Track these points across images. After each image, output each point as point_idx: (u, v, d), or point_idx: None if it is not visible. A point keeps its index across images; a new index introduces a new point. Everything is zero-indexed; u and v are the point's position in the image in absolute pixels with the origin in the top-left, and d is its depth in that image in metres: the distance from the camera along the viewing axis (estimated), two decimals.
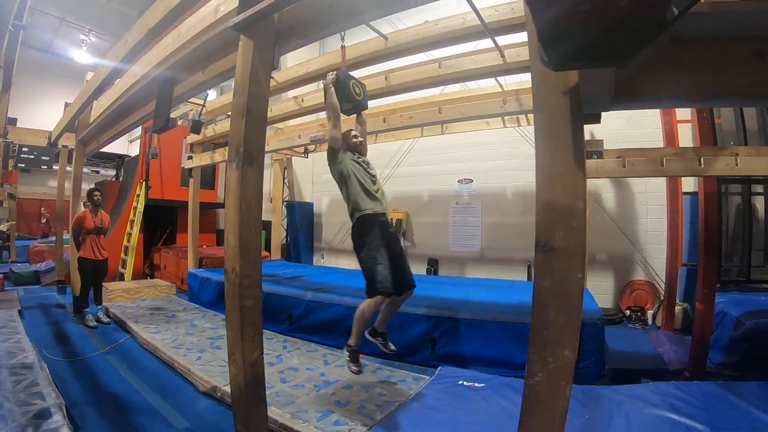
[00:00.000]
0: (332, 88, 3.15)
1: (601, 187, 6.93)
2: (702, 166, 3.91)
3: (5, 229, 12.40)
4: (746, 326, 4.07)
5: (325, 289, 5.84)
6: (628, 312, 6.47)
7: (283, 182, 10.31)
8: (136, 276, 8.85)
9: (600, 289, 6.70)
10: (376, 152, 8.76)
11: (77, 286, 6.14)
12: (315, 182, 10.89)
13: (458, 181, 8.32)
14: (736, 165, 3.81)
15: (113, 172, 16.10)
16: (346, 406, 3.33)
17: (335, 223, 10.00)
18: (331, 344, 5.01)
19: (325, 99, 3.22)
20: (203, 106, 6.15)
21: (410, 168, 8.99)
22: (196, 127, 5.69)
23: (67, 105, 7.56)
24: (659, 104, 3.51)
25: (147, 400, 3.54)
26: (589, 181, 6.53)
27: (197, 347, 4.70)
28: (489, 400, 3.34)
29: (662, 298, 6.11)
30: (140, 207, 9.39)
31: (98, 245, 5.98)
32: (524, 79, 4.93)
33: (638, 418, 2.91)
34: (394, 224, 8.63)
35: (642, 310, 6.43)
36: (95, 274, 6.00)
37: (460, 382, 3.70)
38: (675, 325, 5.72)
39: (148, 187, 9.51)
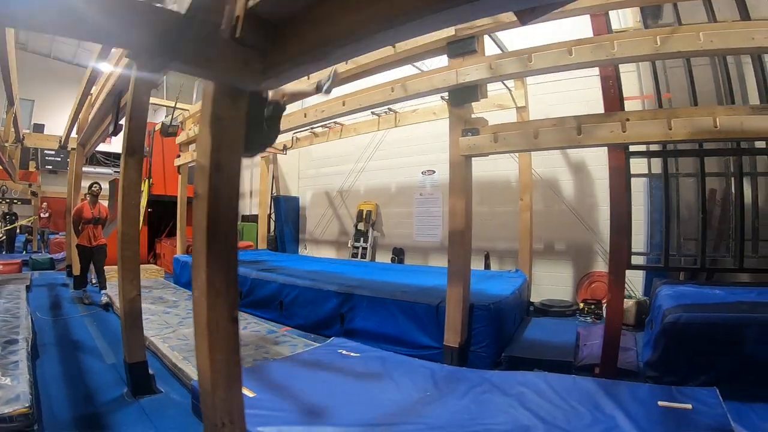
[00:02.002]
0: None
1: (559, 174, 7.43)
2: (581, 135, 3.94)
3: (29, 223, 14.57)
4: (666, 321, 3.79)
5: (270, 270, 7.05)
6: (581, 305, 6.64)
7: (272, 179, 11.72)
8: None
9: (558, 281, 7.18)
10: (350, 147, 10.36)
11: (76, 267, 7.55)
12: (300, 177, 12.49)
13: (422, 173, 9.34)
14: (623, 131, 3.76)
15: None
16: None
17: (317, 215, 11.61)
18: (267, 317, 6.24)
19: None
20: (172, 115, 7.35)
21: (380, 161, 10.22)
22: (164, 130, 6.87)
23: None
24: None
25: (96, 345, 5.01)
26: (545, 169, 7.35)
27: (152, 312, 6.06)
28: (352, 366, 4.01)
29: (628, 294, 6.17)
30: (143, 202, 10.99)
31: (93, 234, 7.18)
32: None
33: (479, 403, 3.19)
34: (363, 216, 10.07)
35: (599, 303, 6.47)
36: (92, 258, 7.26)
37: (340, 351, 4.41)
38: (626, 320, 5.67)
39: (150, 184, 11.12)
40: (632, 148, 4.40)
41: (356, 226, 10.26)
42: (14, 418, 2.73)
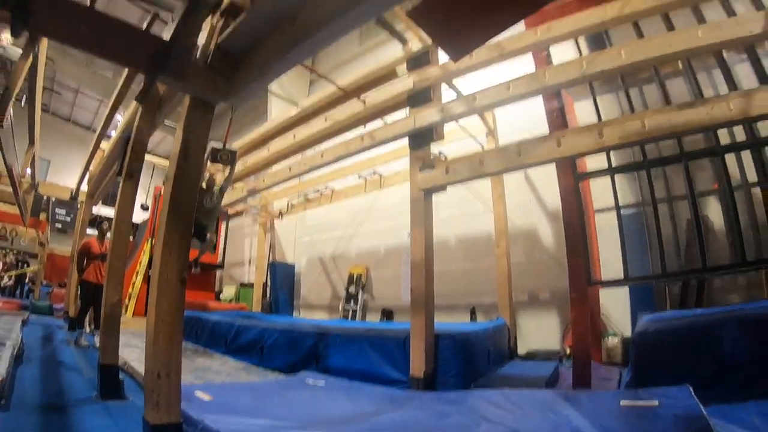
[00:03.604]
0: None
1: (537, 223, 8.13)
2: (520, 156, 4.54)
3: (32, 273, 15.68)
4: (635, 333, 3.90)
5: (252, 319, 7.71)
6: (568, 350, 6.83)
7: (269, 246, 12.98)
8: (137, 316, 11.23)
9: (545, 330, 7.59)
10: (342, 213, 11.62)
11: (74, 309, 8.09)
12: (296, 245, 13.65)
13: (407, 235, 10.00)
14: (558, 146, 4.28)
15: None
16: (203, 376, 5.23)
17: (311, 280, 12.59)
18: (249, 362, 6.73)
19: None
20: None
21: (370, 226, 11.30)
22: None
23: None
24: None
25: (79, 366, 5.62)
26: (525, 219, 8.08)
27: (137, 347, 6.60)
28: (314, 391, 4.57)
29: (612, 332, 6.61)
30: (145, 260, 11.98)
31: (100, 271, 7.52)
32: None
33: (429, 412, 3.55)
34: (354, 279, 10.89)
35: None
36: (95, 296, 6.98)
37: (307, 380, 4.98)
38: (613, 358, 6.14)
39: (153, 245, 12.14)
40: (591, 167, 5.03)
41: (347, 289, 11.06)
42: None
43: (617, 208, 5.12)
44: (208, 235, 5.37)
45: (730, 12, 4.42)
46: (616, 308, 6.68)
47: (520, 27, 4.79)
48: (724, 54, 4.39)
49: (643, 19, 4.73)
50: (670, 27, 4.55)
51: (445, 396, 4.09)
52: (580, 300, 4.64)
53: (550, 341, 7.41)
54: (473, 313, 8.58)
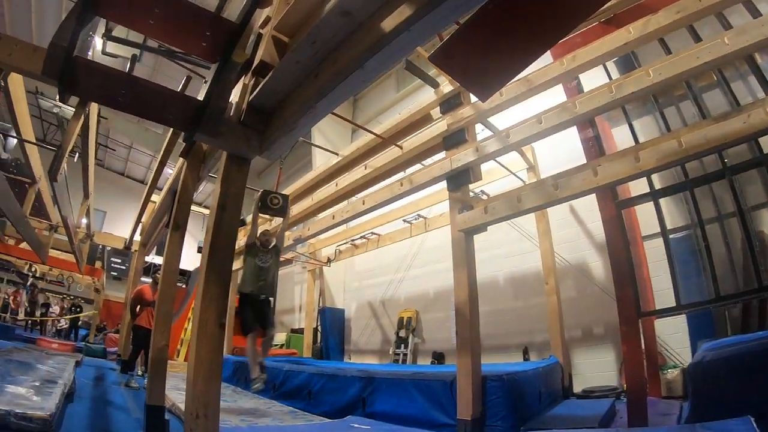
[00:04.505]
0: (256, 205, 5.72)
1: (586, 256, 8.06)
2: (558, 190, 4.58)
3: (88, 319, 17.75)
4: (690, 364, 3.78)
5: (301, 365, 7.90)
6: (625, 386, 6.34)
7: (319, 292, 13.55)
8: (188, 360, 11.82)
9: (601, 367, 7.43)
10: (390, 258, 12.03)
11: (126, 352, 8.58)
12: (346, 290, 14.01)
13: None
14: (595, 176, 4.31)
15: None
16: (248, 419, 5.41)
17: (361, 326, 12.83)
18: (297, 407, 6.90)
19: None
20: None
21: (418, 269, 11.56)
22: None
23: None
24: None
25: (127, 406, 6.01)
26: (573, 252, 8.10)
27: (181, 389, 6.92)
28: None
29: (672, 364, 6.41)
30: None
31: (153, 316, 8.17)
32: None
33: None
34: (404, 323, 11.03)
35: None
36: (147, 341, 7.67)
37: (352, 425, 5.10)
38: (673, 392, 5.96)
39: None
40: (635, 191, 5.00)
41: (397, 333, 11.19)
42: (33, 419, 3.57)
43: (663, 232, 5.10)
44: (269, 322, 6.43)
45: (755, 13, 4.41)
46: (674, 338, 6.47)
47: (546, 59, 4.84)
48: (757, 57, 4.35)
49: (668, 35, 4.75)
50: (697, 38, 4.61)
51: None
52: (631, 333, 4.62)
53: (607, 378, 7.23)
54: (525, 353, 8.50)
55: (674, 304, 4.83)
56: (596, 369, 7.44)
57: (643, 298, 5.52)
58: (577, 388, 7.29)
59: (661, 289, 5.91)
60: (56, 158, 4.83)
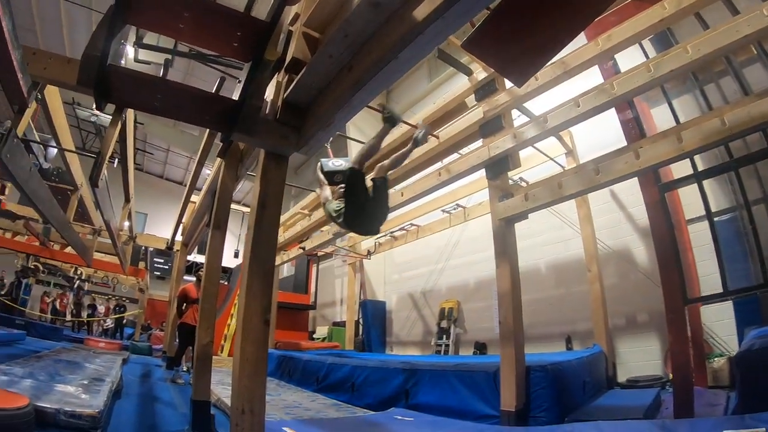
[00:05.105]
0: (319, 173, 5.43)
1: (629, 241, 7.84)
2: (599, 174, 4.59)
3: (133, 318, 18.72)
4: (738, 353, 3.70)
5: (343, 357, 7.99)
6: (671, 375, 6.13)
7: (359, 285, 13.70)
8: (232, 355, 12.11)
9: (646, 355, 7.22)
10: (430, 249, 12.02)
11: (172, 349, 8.87)
12: (386, 282, 14.08)
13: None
14: (637, 158, 4.26)
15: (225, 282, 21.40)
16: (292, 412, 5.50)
17: (402, 317, 12.82)
18: (340, 399, 7.02)
19: None
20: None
21: (458, 260, 11.48)
22: None
23: None
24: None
25: (173, 401, 6.18)
26: (615, 238, 7.91)
27: (229, 384, 7.10)
28: (403, 427, 4.71)
29: (718, 352, 6.20)
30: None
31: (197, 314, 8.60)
32: None
33: None
34: (445, 313, 11.02)
35: None
36: (192, 337, 7.69)
37: (395, 417, 5.18)
38: (720, 381, 5.76)
39: None
40: (677, 173, 4.82)
41: (439, 324, 11.16)
42: (83, 416, 3.71)
43: (708, 215, 4.90)
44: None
45: None
46: (721, 326, 6.22)
47: (581, 40, 4.73)
48: None
49: (705, 8, 4.54)
50: (735, 11, 4.40)
51: (537, 431, 4.07)
52: (677, 320, 4.44)
53: (651, 367, 7.04)
54: (569, 342, 8.37)
55: (721, 290, 4.66)
56: (640, 358, 7.26)
57: (688, 284, 5.32)
58: (621, 378, 7.15)
59: (706, 274, 5.82)
60: (96, 165, 4.98)
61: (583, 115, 4.78)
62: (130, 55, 6.01)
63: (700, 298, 5.31)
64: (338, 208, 4.15)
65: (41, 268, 17.74)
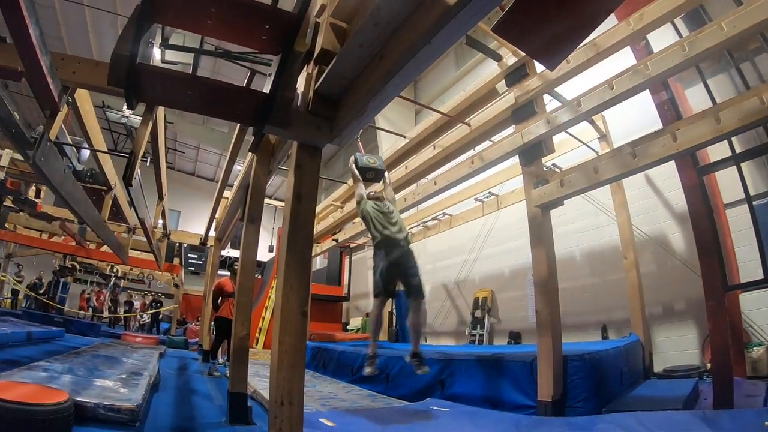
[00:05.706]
0: (353, 167, 5.52)
1: (666, 228, 7.67)
2: (636, 158, 4.48)
3: (169, 312, 19.54)
4: None
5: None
6: (709, 365, 6.28)
7: None
8: (267, 348, 12.30)
9: (684, 344, 7.10)
10: (462, 239, 12.02)
11: (207, 341, 9.06)
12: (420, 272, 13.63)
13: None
14: (674, 141, 4.16)
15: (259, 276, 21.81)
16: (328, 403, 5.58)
17: (436, 307, 12.75)
18: (376, 390, 7.09)
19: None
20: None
21: (492, 249, 11.40)
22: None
23: None
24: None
25: (210, 393, 6.32)
26: (652, 224, 7.77)
27: (265, 377, 7.20)
28: (439, 416, 4.79)
29: (757, 342, 6.06)
30: (273, 296, 13.05)
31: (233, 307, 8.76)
32: None
33: None
34: (479, 303, 11.03)
35: None
36: (228, 331, 7.81)
37: (431, 407, 5.21)
38: (759, 371, 5.67)
39: None
40: (713, 156, 4.71)
41: (473, 314, 11.13)
42: (121, 410, 3.81)
43: (748, 199, 4.72)
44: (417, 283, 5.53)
45: None
46: (760, 314, 6.06)
47: (611, 21, 4.55)
48: None
49: None
50: None
51: (575, 421, 4.03)
52: (717, 308, 4.33)
53: (689, 356, 6.90)
54: (604, 331, 8.24)
55: (761, 277, 4.46)
56: (677, 347, 7.12)
57: (727, 270, 5.14)
58: (658, 368, 7.01)
59: (745, 261, 5.65)
60: (129, 164, 5.08)
61: (618, 98, 4.67)
62: (157, 56, 6.10)
63: (740, 285, 5.17)
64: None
65: (78, 267, 18.40)
